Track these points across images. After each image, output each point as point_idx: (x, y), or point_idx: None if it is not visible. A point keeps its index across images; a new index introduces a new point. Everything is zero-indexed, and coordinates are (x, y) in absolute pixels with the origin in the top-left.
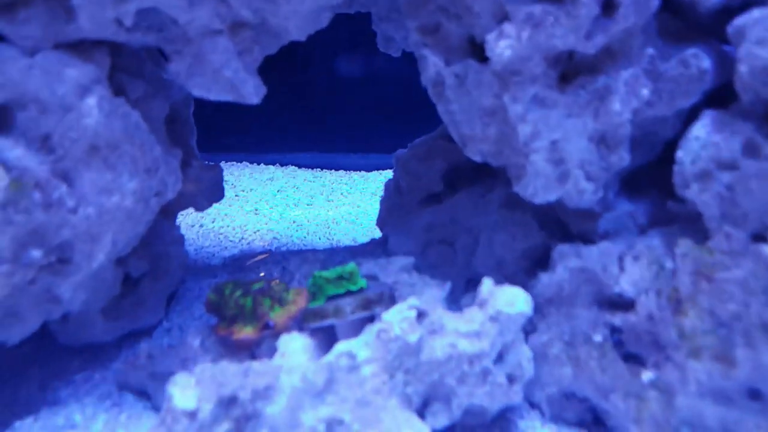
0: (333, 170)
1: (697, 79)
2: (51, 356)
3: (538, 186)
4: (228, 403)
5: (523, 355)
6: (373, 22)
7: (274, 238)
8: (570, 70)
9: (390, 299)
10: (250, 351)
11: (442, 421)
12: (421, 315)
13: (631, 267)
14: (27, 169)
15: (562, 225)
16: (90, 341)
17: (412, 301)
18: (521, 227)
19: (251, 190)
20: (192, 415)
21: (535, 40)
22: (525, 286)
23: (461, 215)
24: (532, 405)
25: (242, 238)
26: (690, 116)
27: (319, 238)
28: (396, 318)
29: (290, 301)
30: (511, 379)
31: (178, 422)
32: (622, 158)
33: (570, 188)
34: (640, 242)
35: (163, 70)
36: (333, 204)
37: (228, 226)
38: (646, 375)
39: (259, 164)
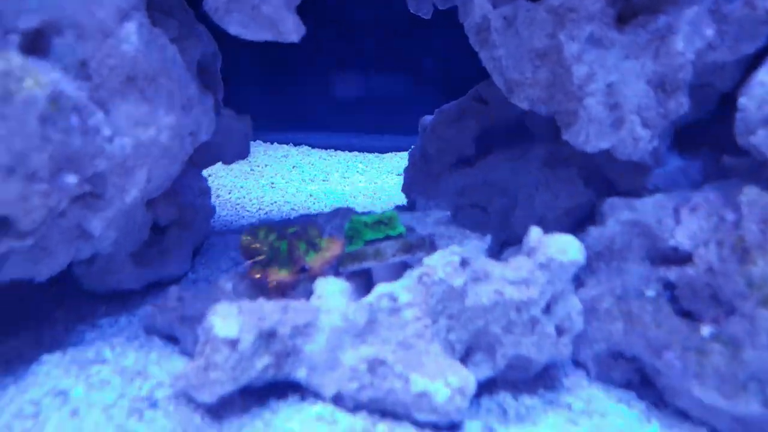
0: (347, 151)
1: (764, 22)
2: (75, 301)
3: (591, 132)
4: (268, 336)
5: (572, 306)
6: None
7: (292, 209)
8: (626, 12)
9: (431, 246)
10: (284, 294)
11: (485, 371)
12: (464, 262)
13: (688, 219)
14: (64, 93)
15: (608, 182)
16: (116, 287)
17: (455, 248)
18: (565, 185)
19: (266, 165)
20: (233, 344)
21: None
22: None
23: (495, 177)
24: (577, 364)
25: (260, 208)
26: (751, 65)
27: None
28: (440, 262)
29: (324, 247)
30: (559, 330)
31: (217, 351)
32: (681, 104)
33: (625, 135)
34: (696, 195)
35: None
36: (349, 180)
37: (245, 198)
38: (706, 329)
39: (272, 143)
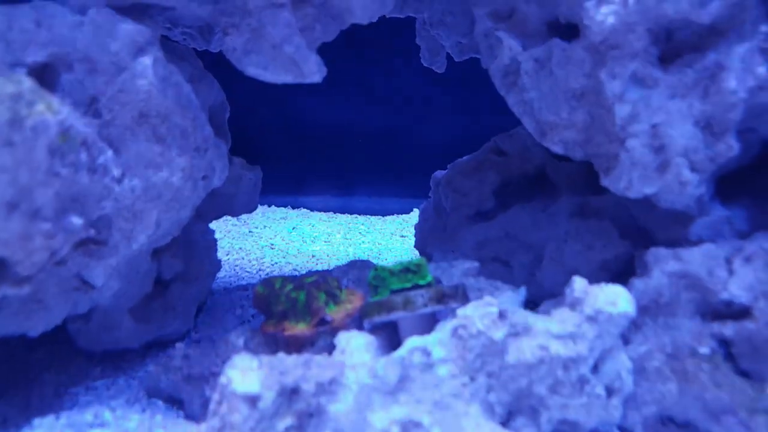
0: (347, 213)
1: None
2: (67, 361)
3: (634, 177)
4: (290, 393)
5: (622, 364)
6: (417, 34)
7: (294, 269)
8: (669, 52)
9: (464, 295)
10: (301, 350)
11: None
12: (502, 315)
13: (743, 270)
14: (73, 127)
15: (645, 233)
16: (114, 346)
17: (489, 299)
18: (599, 236)
19: (264, 227)
20: (253, 401)
21: (644, 4)
22: None
23: (518, 230)
24: (623, 430)
25: (260, 269)
26: None
27: None
28: (476, 313)
29: (345, 299)
30: (609, 391)
31: (235, 411)
32: (731, 147)
33: (670, 179)
34: (749, 244)
35: (212, 45)
36: (352, 242)
37: (243, 259)
38: None
39: (270, 206)
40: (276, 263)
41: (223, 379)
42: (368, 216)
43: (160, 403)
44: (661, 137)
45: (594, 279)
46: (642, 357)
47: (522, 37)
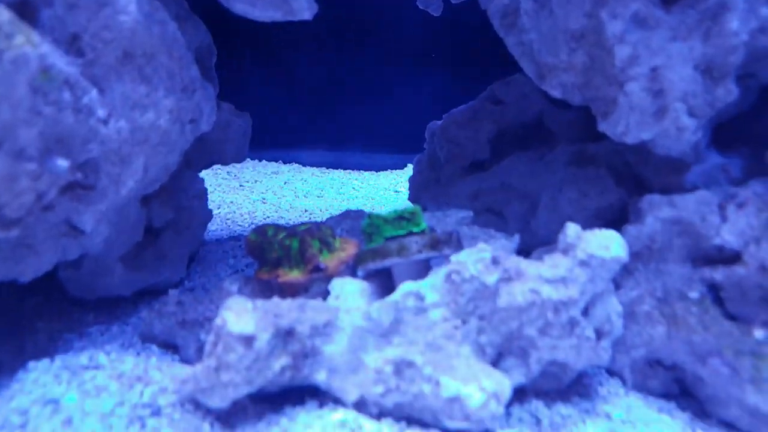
0: (341, 169)
1: None
2: (60, 308)
3: (632, 122)
4: (285, 335)
5: (612, 308)
6: None
7: (286, 224)
8: None
9: (458, 242)
10: (296, 296)
11: (517, 378)
12: (495, 260)
13: (736, 216)
14: (55, 66)
15: (640, 181)
16: (106, 293)
17: (483, 245)
18: (594, 184)
19: (256, 181)
20: (248, 341)
21: None
22: None
23: (513, 180)
24: (611, 372)
25: (251, 223)
26: None
27: None
28: (470, 259)
29: (339, 247)
30: (599, 334)
31: (231, 350)
32: (730, 91)
33: (668, 125)
34: (743, 190)
35: None
36: (345, 196)
37: (235, 213)
38: (760, 332)
39: (261, 160)
40: (268, 217)
41: (218, 321)
42: (362, 171)
43: (155, 347)
44: (661, 81)
45: (588, 226)
46: (632, 301)
47: None
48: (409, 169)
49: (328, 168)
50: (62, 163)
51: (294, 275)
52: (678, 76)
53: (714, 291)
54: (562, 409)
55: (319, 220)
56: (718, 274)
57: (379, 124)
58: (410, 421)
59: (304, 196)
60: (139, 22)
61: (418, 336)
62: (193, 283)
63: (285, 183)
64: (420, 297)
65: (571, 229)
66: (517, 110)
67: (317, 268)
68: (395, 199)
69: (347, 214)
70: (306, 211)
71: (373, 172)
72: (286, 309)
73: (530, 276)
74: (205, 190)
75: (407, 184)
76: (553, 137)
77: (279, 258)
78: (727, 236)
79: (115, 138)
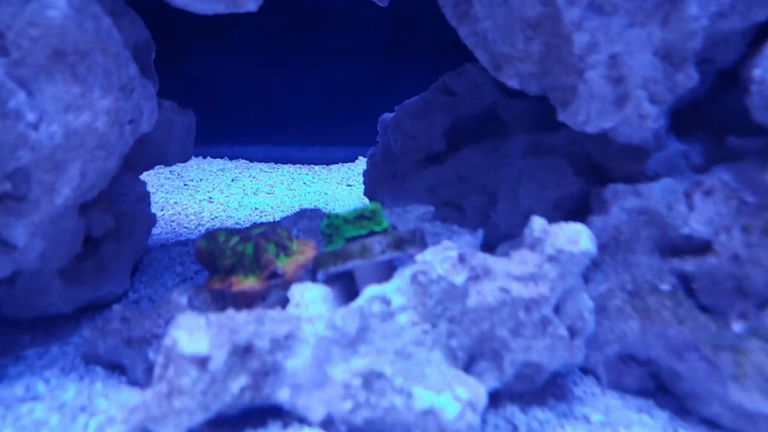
0: (290, 164)
1: None
2: None
3: (592, 111)
4: (243, 352)
5: (584, 304)
6: None
7: (237, 223)
8: None
9: (422, 241)
10: (251, 306)
11: (491, 382)
12: (461, 259)
13: (703, 204)
14: None
15: (600, 170)
16: (43, 312)
17: (448, 243)
18: (553, 174)
19: (201, 179)
20: (202, 362)
21: None
22: None
23: (470, 173)
24: (584, 370)
25: (199, 224)
26: (757, 36)
27: None
28: (436, 258)
29: (297, 250)
30: (572, 332)
31: (184, 374)
32: (690, 77)
33: (630, 113)
34: (708, 177)
35: None
36: (296, 192)
37: (180, 214)
38: (737, 325)
39: (205, 157)
40: (216, 217)
41: (167, 341)
42: (312, 166)
43: (99, 369)
44: (620, 68)
45: (548, 218)
46: (603, 296)
47: None
48: (361, 162)
49: (276, 163)
50: None
51: (249, 283)
52: (638, 62)
53: (685, 282)
54: (539, 413)
55: (271, 219)
56: (689, 264)
57: (328, 118)
58: None
59: (254, 194)
60: (69, 17)
61: (386, 343)
62: (138, 294)
63: (232, 180)
64: (386, 301)
65: (537, 223)
66: (470, 101)
67: (274, 274)
68: (348, 193)
69: (303, 213)
70: (256, 209)
71: (324, 166)
72: (242, 322)
73: (499, 274)
74: (148, 193)
75: (360, 178)
76: (507, 128)
77: (232, 265)
78: (696, 225)
79: (47, 144)
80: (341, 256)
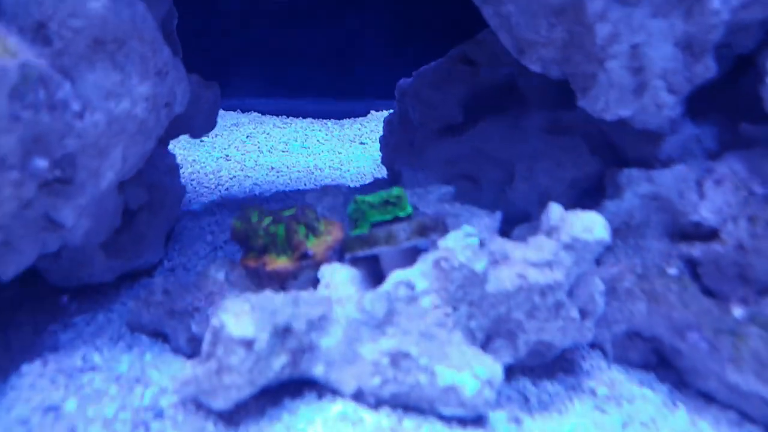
0: (301, 117)
1: None
2: (41, 300)
3: (611, 99)
4: (283, 333)
5: (595, 287)
6: None
7: (255, 184)
8: None
9: (444, 227)
10: (283, 283)
11: (505, 358)
12: (481, 244)
13: (713, 193)
14: (31, 66)
15: (615, 150)
16: (87, 281)
17: (468, 228)
18: (570, 153)
19: (216, 135)
20: (248, 344)
21: None
22: None
23: (487, 146)
24: (591, 345)
25: (218, 184)
26: None
27: (305, 185)
28: (458, 245)
29: (324, 231)
30: (583, 313)
31: (232, 353)
32: (709, 68)
33: (648, 102)
34: (719, 166)
35: None
36: (310, 151)
37: (199, 172)
38: (738, 310)
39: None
40: (234, 177)
41: (215, 322)
42: (324, 120)
43: (144, 338)
44: (641, 58)
45: (564, 197)
46: (613, 278)
47: None
48: (374, 117)
49: (288, 116)
50: (41, 162)
51: (282, 263)
52: (658, 53)
53: (691, 266)
54: (549, 386)
55: (287, 179)
56: (696, 250)
57: (339, 70)
58: (407, 409)
59: (269, 152)
60: (108, 7)
61: (411, 325)
62: (173, 263)
63: (247, 137)
64: (411, 286)
65: (555, 211)
66: (489, 72)
67: (305, 255)
68: (362, 152)
69: (326, 190)
70: (272, 168)
71: (336, 121)
72: (280, 304)
73: (516, 260)
74: (177, 165)
75: (373, 135)
76: (526, 101)
77: (265, 245)
78: (705, 213)
79: (91, 131)
80: (368, 242)
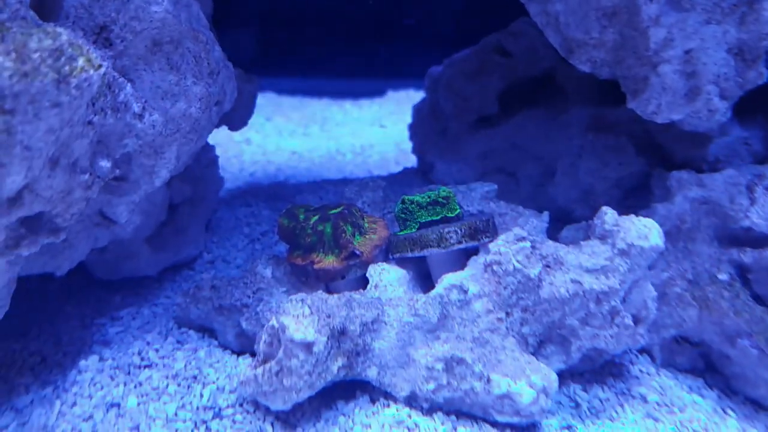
0: (317, 97)
1: None
2: (87, 292)
3: (663, 102)
4: (339, 335)
5: (648, 293)
6: None
7: (278, 169)
8: None
9: (494, 229)
10: (328, 282)
11: (557, 364)
12: (533, 247)
13: (764, 198)
14: (106, 70)
15: (661, 149)
16: (132, 275)
17: (519, 231)
18: (614, 153)
19: None
20: (308, 347)
21: None
22: None
23: (524, 140)
24: (640, 350)
25: (242, 168)
26: None
27: (329, 170)
28: (511, 249)
29: (369, 228)
30: (636, 320)
31: (293, 356)
32: (761, 74)
33: (700, 107)
34: None
35: None
36: (330, 134)
37: (221, 157)
38: None
39: None
40: (257, 162)
41: (273, 323)
42: (341, 101)
43: (192, 333)
44: (694, 63)
45: (607, 195)
46: (664, 283)
47: None
48: (391, 97)
49: (304, 96)
50: (105, 164)
51: (330, 262)
52: (711, 58)
53: (741, 271)
54: (600, 392)
55: (309, 164)
56: (747, 256)
57: (356, 48)
58: (460, 414)
59: (289, 135)
60: (169, 11)
61: (464, 330)
62: (213, 255)
63: (267, 119)
64: (463, 290)
65: (609, 215)
66: (526, 64)
67: (353, 255)
68: (383, 136)
69: (365, 185)
70: (294, 153)
71: (353, 100)
72: (335, 307)
73: (570, 265)
74: (216, 157)
75: (392, 117)
76: (565, 95)
77: (313, 243)
78: (756, 219)
79: (149, 131)
80: (419, 244)
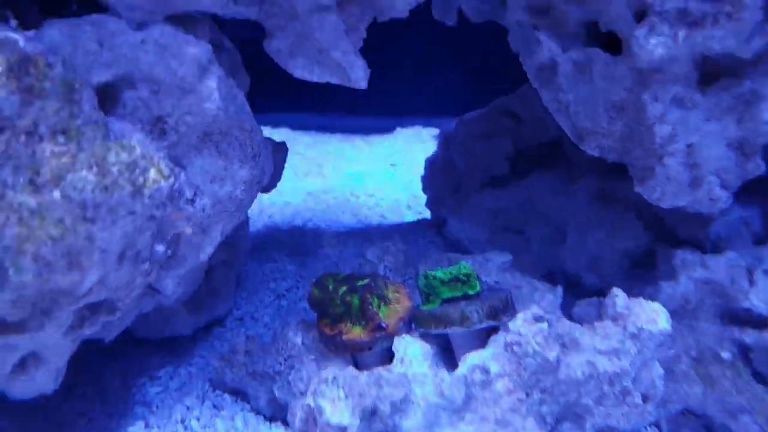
0: (329, 133)
1: None
2: (127, 351)
3: (668, 191)
4: (370, 415)
5: (656, 372)
6: None
7: (295, 212)
8: (708, 74)
9: (513, 308)
10: (359, 352)
11: None
12: (549, 325)
13: (763, 281)
14: (151, 157)
15: (665, 225)
16: (169, 335)
17: (536, 309)
18: (621, 225)
19: None
20: (343, 430)
21: (692, 40)
22: (628, 290)
23: (535, 201)
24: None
25: (260, 211)
26: None
27: (344, 212)
28: (529, 330)
29: (393, 299)
30: (644, 398)
31: None
32: (759, 166)
33: (702, 196)
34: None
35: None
36: (344, 174)
37: None
38: None
39: None
40: (274, 203)
41: (309, 401)
42: (351, 136)
43: (227, 396)
44: (696, 156)
45: (615, 266)
46: (670, 360)
47: (559, 37)
48: (400, 134)
49: (317, 132)
50: (160, 248)
51: (357, 333)
52: (712, 152)
53: (743, 350)
54: None
55: (324, 206)
56: (748, 336)
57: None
58: None
59: (305, 175)
60: (221, 108)
61: (487, 411)
62: (241, 312)
63: None
64: (485, 370)
65: (620, 298)
66: (534, 129)
67: (379, 327)
68: (394, 176)
69: (387, 249)
70: (310, 194)
71: (363, 136)
72: (365, 385)
73: (585, 346)
74: (248, 218)
75: (401, 155)
76: (572, 161)
77: (341, 313)
78: (755, 301)
79: (199, 214)
80: (442, 321)
